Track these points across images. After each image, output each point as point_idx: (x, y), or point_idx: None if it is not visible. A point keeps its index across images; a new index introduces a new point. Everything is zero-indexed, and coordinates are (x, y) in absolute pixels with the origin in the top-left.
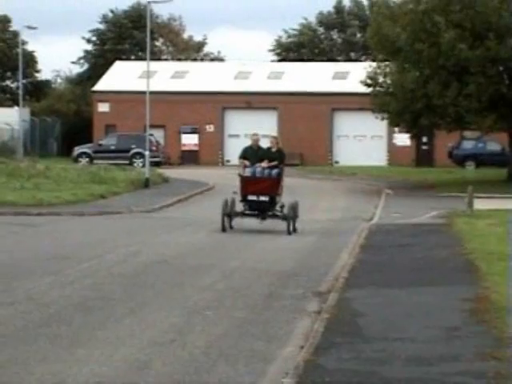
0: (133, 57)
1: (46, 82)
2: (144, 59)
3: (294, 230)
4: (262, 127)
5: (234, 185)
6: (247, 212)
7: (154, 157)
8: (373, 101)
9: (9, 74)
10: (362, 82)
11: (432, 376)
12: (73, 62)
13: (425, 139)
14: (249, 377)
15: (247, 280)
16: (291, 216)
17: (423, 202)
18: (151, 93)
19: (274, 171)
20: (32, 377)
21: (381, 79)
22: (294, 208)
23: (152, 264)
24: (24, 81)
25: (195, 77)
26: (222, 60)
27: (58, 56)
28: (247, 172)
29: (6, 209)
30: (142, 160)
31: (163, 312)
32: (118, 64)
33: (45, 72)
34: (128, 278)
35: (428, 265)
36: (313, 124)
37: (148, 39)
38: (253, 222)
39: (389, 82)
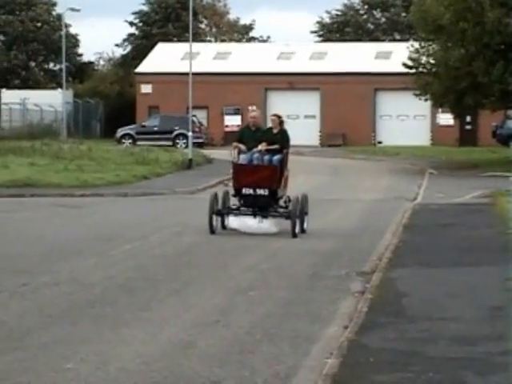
0: (176, 38)
1: (89, 64)
2: (188, 41)
3: (303, 230)
4: (305, 108)
5: None
6: (243, 209)
7: (197, 138)
8: (415, 81)
9: (52, 56)
10: (403, 64)
11: (476, 356)
12: (117, 45)
13: (468, 119)
14: (293, 357)
15: (290, 260)
16: (297, 214)
17: (467, 181)
18: (194, 74)
19: (276, 157)
20: (77, 357)
21: (423, 59)
22: (302, 203)
23: (195, 245)
24: (67, 63)
25: (238, 58)
26: (265, 41)
27: (100, 38)
28: (242, 159)
29: (50, 190)
30: (184, 141)
31: (207, 292)
32: (160, 45)
33: (88, 54)
34: (171, 259)
35: (472, 244)
36: (355, 104)
37: (190, 20)
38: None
39: (432, 61)
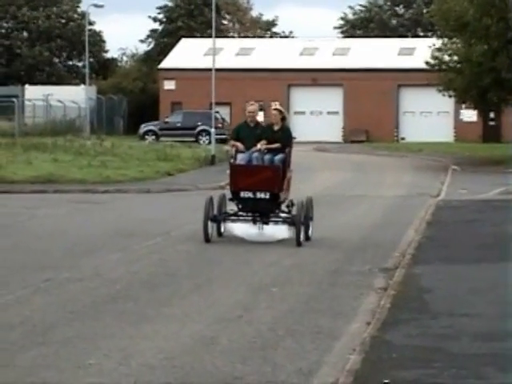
0: (199, 34)
1: (113, 60)
2: (211, 37)
3: (307, 238)
4: (328, 104)
5: (297, 161)
6: (241, 214)
7: (220, 134)
8: (439, 78)
9: (76, 52)
10: (426, 62)
11: (499, 352)
12: (141, 41)
13: (492, 115)
14: (315, 353)
15: (313, 256)
16: (302, 220)
17: (490, 177)
18: (217, 70)
19: (278, 157)
20: (99, 352)
21: (446, 57)
22: (307, 208)
23: (218, 241)
24: (91, 59)
25: (261, 54)
26: (287, 37)
27: (123, 34)
28: (240, 159)
29: (73, 186)
30: (207, 137)
31: (229, 288)
32: (183, 41)
33: (111, 50)
34: (194, 255)
35: (495, 241)
36: (378, 100)
37: (213, 16)
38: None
39: (455, 58)
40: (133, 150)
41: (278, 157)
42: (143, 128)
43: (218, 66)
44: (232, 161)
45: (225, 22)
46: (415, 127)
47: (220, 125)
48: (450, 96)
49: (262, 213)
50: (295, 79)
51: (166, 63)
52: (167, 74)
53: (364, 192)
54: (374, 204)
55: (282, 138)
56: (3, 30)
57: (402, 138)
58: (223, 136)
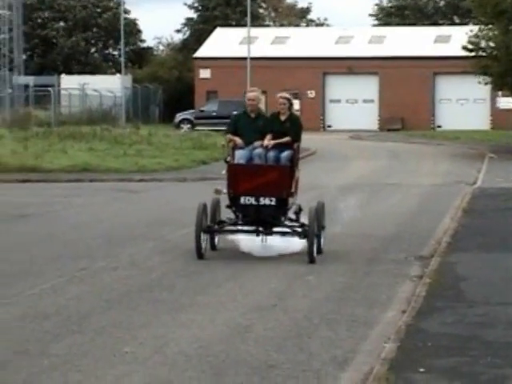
0: (235, 23)
1: (148, 49)
2: (247, 25)
3: (319, 251)
4: (363, 92)
5: (332, 150)
6: (240, 224)
7: None
8: (475, 65)
9: (112, 42)
10: (463, 47)
11: None
12: (178, 31)
13: None
14: (350, 341)
15: (348, 245)
16: (315, 231)
17: None
18: (252, 59)
19: (284, 154)
20: (135, 341)
21: (483, 44)
22: (319, 215)
23: None
24: (127, 49)
25: (296, 42)
26: (323, 25)
27: (159, 23)
28: (239, 157)
29: (109, 175)
30: None
31: (264, 277)
32: (218, 30)
33: (147, 39)
34: (229, 243)
35: None
36: (414, 88)
37: (248, 4)
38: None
39: (492, 45)
40: (168, 138)
41: (285, 154)
42: (179, 117)
43: (253, 54)
44: (229, 159)
45: (260, 11)
46: (451, 115)
47: None
48: (486, 83)
49: (266, 222)
50: (331, 67)
51: (201, 52)
52: (202, 62)
53: (400, 180)
54: (409, 192)
55: (291, 130)
56: (40, 20)
57: (439, 126)
58: None
